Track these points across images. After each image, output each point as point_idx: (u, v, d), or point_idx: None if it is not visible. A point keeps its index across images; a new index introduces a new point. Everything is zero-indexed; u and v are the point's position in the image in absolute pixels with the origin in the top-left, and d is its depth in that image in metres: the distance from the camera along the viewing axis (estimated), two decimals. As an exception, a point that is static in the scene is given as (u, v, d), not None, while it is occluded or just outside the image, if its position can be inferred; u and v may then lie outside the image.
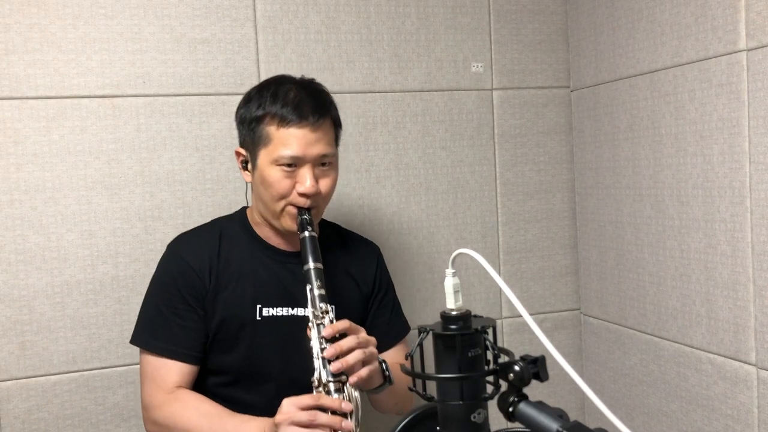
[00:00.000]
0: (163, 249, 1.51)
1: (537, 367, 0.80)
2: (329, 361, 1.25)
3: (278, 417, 1.21)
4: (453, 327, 0.84)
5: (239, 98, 1.78)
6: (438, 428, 0.85)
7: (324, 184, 1.42)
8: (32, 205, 1.65)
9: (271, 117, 1.38)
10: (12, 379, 1.65)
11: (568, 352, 2.11)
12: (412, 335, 1.64)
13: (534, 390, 0.79)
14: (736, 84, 1.49)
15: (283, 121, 1.37)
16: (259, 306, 1.46)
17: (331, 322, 1.29)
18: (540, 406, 0.79)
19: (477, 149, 2.00)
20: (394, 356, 1.56)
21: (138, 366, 1.48)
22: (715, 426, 1.62)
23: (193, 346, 1.43)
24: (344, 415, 1.22)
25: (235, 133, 1.80)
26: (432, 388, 0.86)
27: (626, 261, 1.88)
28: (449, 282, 0.86)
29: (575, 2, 2.03)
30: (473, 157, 2.00)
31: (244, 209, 1.58)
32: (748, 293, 1.50)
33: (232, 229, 1.53)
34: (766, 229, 1.46)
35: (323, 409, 1.21)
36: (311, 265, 1.32)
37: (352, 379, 1.25)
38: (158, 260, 1.51)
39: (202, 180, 1.77)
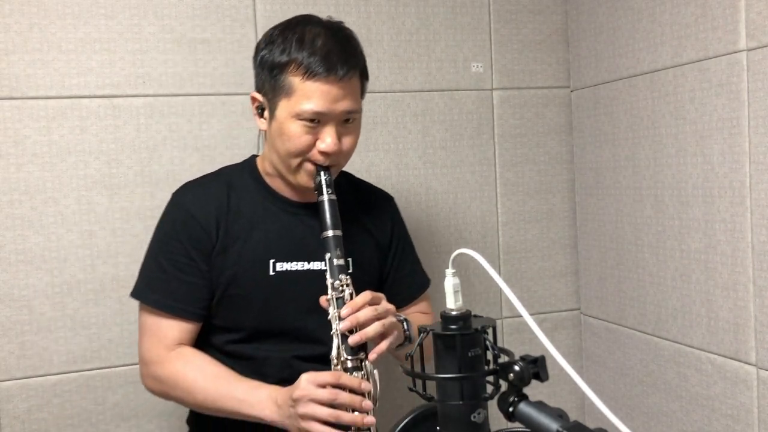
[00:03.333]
0: None
1: (537, 367, 0.80)
2: (347, 337, 1.20)
3: (297, 393, 1.16)
4: (453, 327, 0.84)
5: (240, 98, 1.78)
6: (438, 428, 0.85)
7: (347, 142, 1.33)
8: (32, 205, 1.65)
9: (296, 66, 1.26)
10: (12, 379, 1.65)
11: (568, 352, 2.11)
12: (433, 289, 1.58)
13: (534, 390, 0.80)
14: (736, 84, 1.49)
15: (309, 73, 1.26)
16: (272, 261, 1.38)
17: (351, 295, 1.24)
18: (540, 406, 0.79)
19: (477, 149, 2.00)
20: (417, 310, 1.53)
21: (137, 366, 1.43)
22: (715, 426, 1.62)
23: (194, 302, 1.35)
24: (363, 393, 1.18)
25: (235, 133, 1.79)
26: (432, 388, 0.86)
27: (626, 261, 1.88)
28: (449, 282, 0.86)
29: (575, 2, 2.03)
30: (473, 157, 2.00)
31: (253, 158, 1.49)
32: (748, 293, 1.50)
33: (241, 179, 1.43)
34: (766, 229, 1.46)
35: (343, 387, 1.17)
36: (330, 233, 1.26)
37: (372, 356, 1.22)
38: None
39: (202, 180, 1.76)
